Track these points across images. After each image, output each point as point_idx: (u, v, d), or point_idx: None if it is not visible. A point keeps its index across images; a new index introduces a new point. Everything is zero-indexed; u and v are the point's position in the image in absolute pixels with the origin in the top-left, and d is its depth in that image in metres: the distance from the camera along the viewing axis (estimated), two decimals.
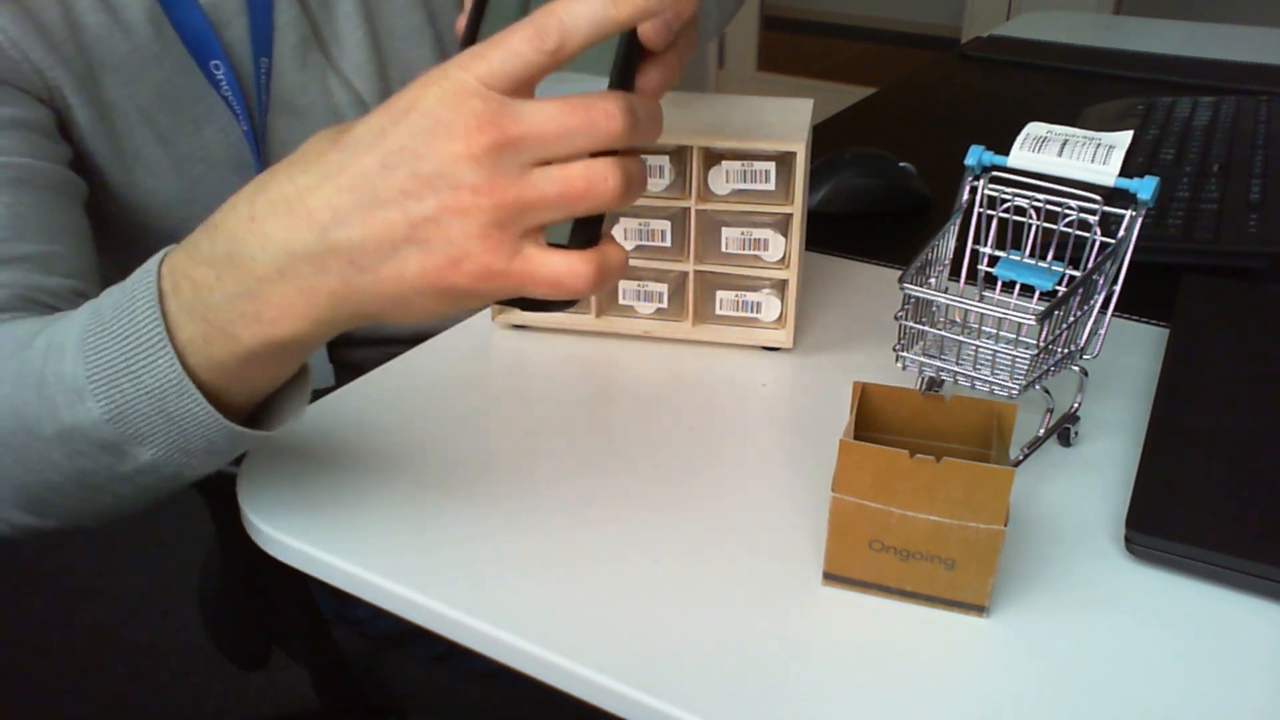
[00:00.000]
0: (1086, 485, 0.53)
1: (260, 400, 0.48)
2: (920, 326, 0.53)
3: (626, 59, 0.40)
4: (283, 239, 0.40)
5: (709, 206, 0.61)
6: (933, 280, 0.56)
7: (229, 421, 0.44)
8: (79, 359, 0.44)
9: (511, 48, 0.38)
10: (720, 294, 0.64)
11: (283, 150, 0.70)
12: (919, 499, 0.43)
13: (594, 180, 0.39)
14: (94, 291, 0.61)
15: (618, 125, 0.38)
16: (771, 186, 0.61)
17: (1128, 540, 0.48)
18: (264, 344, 0.42)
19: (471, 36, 0.43)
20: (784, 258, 0.62)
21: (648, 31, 0.39)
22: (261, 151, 0.69)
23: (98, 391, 0.43)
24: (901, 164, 0.88)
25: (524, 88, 0.39)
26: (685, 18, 0.40)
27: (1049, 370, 0.53)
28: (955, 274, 0.59)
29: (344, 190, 0.39)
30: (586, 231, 0.41)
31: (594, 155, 0.39)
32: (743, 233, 0.62)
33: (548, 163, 0.39)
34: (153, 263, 0.44)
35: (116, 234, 0.67)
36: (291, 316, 0.41)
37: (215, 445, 0.45)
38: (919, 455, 0.42)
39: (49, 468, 0.47)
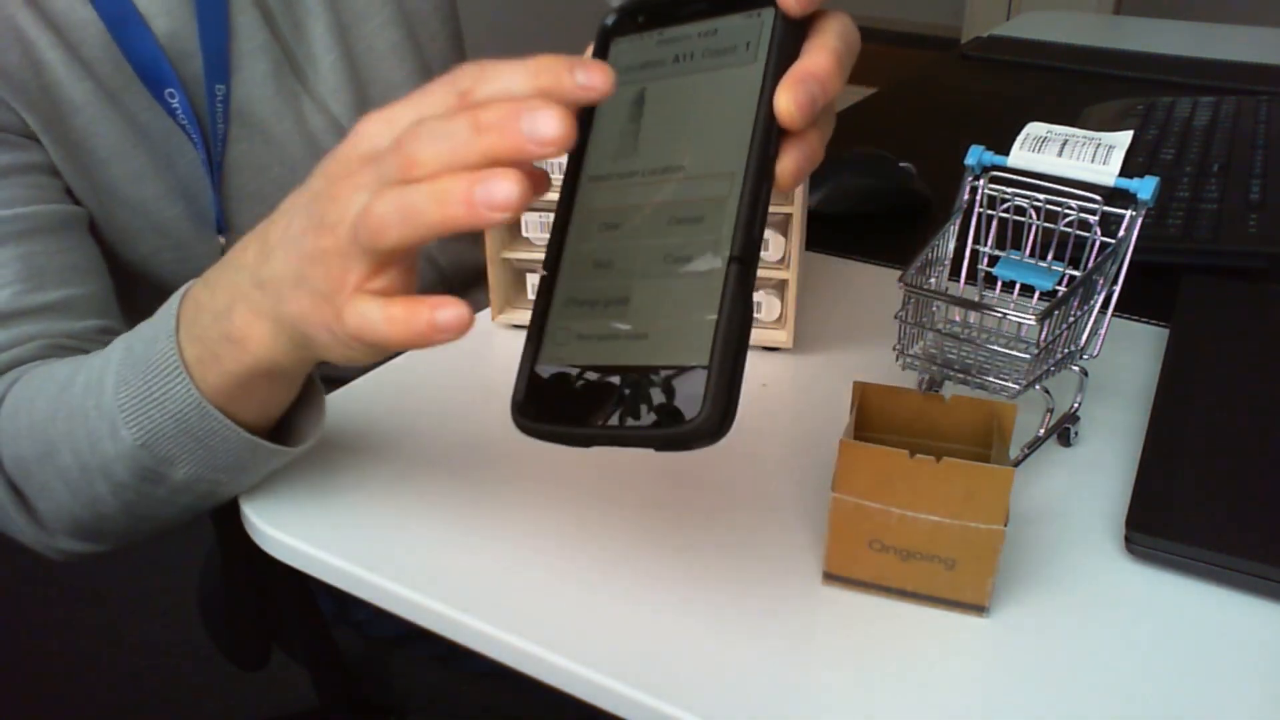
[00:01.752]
0: (1086, 485, 0.53)
1: (275, 420, 0.50)
2: (920, 326, 0.53)
3: (765, 142, 0.34)
4: (246, 265, 0.42)
5: None
6: (933, 280, 0.56)
7: (249, 435, 0.47)
8: (115, 392, 0.47)
9: (419, 101, 0.36)
10: None
11: (253, 178, 0.70)
12: (919, 499, 0.43)
13: (433, 196, 0.33)
14: (119, 326, 0.63)
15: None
16: None
17: (1128, 540, 0.48)
18: (241, 367, 0.44)
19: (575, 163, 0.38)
20: (784, 258, 0.62)
21: (790, 111, 0.34)
22: (220, 179, 0.68)
23: (129, 420, 0.46)
24: (901, 164, 0.87)
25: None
26: (832, 96, 0.35)
27: (1049, 370, 0.53)
28: (955, 274, 0.59)
29: (279, 227, 0.40)
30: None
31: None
32: None
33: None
34: (180, 292, 0.47)
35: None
36: (253, 339, 0.42)
37: (242, 460, 0.48)
38: (919, 455, 0.42)
39: (98, 499, 0.50)
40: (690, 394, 0.32)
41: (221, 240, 0.70)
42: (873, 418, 0.48)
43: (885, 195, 0.86)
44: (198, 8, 0.64)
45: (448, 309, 0.35)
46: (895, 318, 0.53)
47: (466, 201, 0.32)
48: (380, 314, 0.36)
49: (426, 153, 0.33)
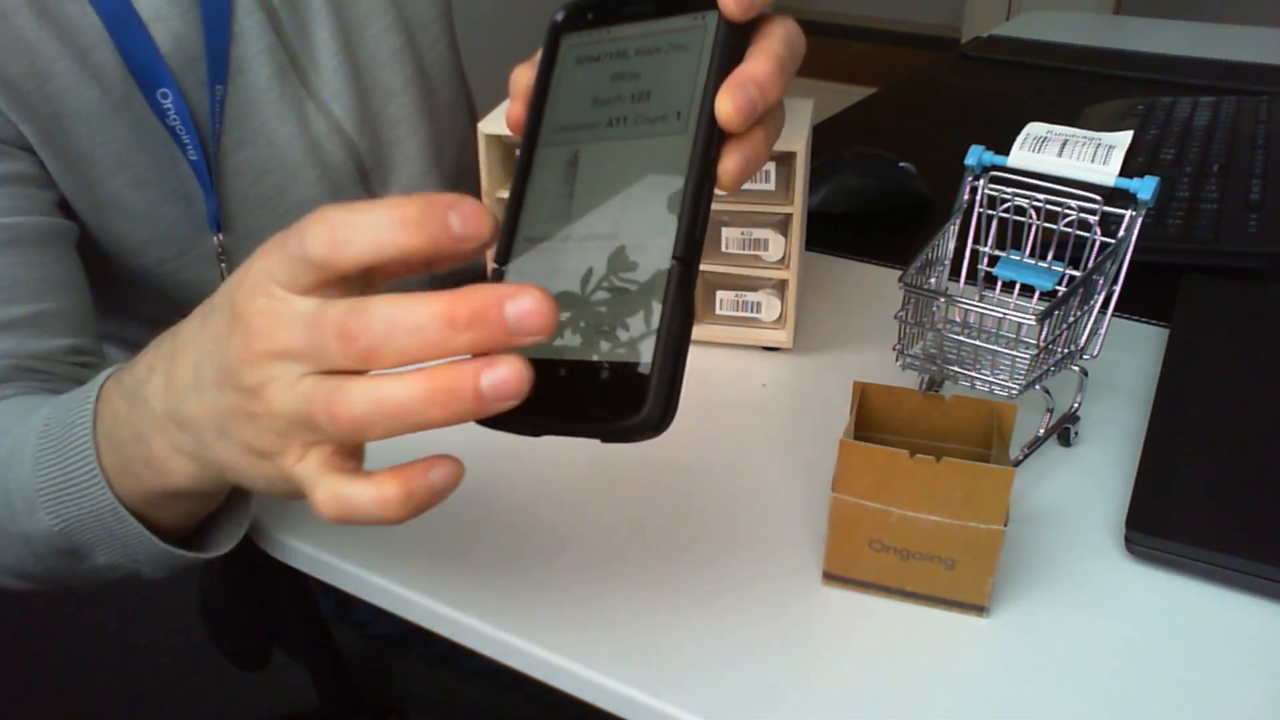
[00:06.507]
0: (1086, 485, 0.53)
1: (197, 523, 0.49)
2: (920, 326, 0.53)
3: (706, 145, 0.35)
4: (158, 396, 0.40)
5: None
6: (933, 280, 0.56)
7: (165, 544, 0.46)
8: (33, 472, 0.46)
9: (288, 251, 0.33)
10: (720, 294, 0.64)
11: (255, 182, 0.69)
12: (919, 499, 0.43)
13: (384, 408, 0.31)
14: (92, 344, 0.61)
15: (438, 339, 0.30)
16: (771, 186, 0.61)
17: (1128, 540, 0.48)
18: (160, 490, 0.42)
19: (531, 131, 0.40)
20: (784, 258, 0.62)
21: (728, 114, 0.34)
22: (216, 183, 0.68)
23: (46, 506, 0.45)
24: (901, 164, 0.88)
25: (317, 289, 0.33)
26: (773, 100, 0.36)
27: (1049, 370, 0.53)
28: (955, 274, 0.59)
29: (188, 366, 0.38)
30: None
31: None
32: (743, 233, 0.62)
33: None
34: (95, 384, 0.45)
35: (95, 275, 0.66)
36: (175, 470, 0.41)
37: (159, 560, 0.47)
38: (919, 455, 0.42)
39: (22, 559, 0.49)
40: (634, 389, 0.33)
41: (217, 239, 0.69)
42: (873, 418, 0.48)
43: (885, 195, 0.86)
44: (203, 10, 0.64)
45: (439, 468, 0.33)
46: (895, 318, 0.53)
47: (475, 397, 0.30)
48: (372, 496, 0.32)
49: (390, 347, 0.31)
